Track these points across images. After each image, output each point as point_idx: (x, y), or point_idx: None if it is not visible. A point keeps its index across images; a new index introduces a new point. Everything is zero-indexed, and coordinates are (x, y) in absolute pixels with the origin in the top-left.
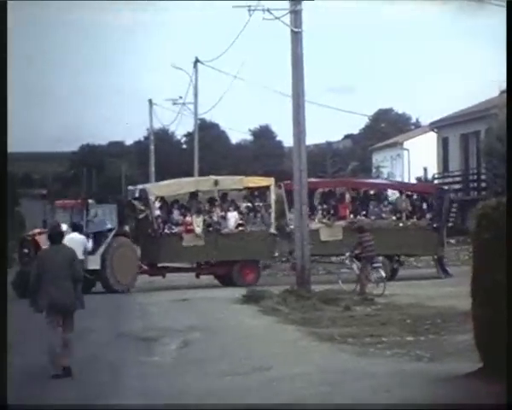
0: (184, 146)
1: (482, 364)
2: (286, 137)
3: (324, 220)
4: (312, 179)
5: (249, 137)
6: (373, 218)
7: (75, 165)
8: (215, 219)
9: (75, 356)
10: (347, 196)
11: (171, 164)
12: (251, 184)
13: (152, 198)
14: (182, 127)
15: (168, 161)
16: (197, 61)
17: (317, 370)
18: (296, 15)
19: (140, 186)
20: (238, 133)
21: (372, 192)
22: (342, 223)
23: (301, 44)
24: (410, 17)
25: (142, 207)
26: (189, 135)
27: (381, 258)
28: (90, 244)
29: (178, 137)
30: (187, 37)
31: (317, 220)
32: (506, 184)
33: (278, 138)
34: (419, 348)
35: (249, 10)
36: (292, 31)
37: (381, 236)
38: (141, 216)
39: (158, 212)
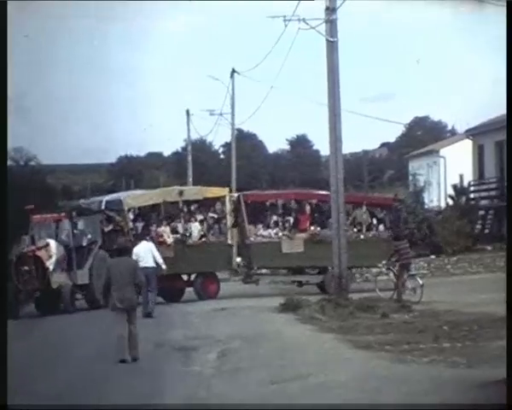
0: (222, 156)
1: None
2: (323, 146)
3: (286, 232)
4: (272, 191)
5: (286, 147)
6: None
7: (114, 176)
8: (181, 230)
9: (115, 364)
10: (307, 208)
11: (209, 174)
12: (209, 195)
13: (126, 209)
14: (219, 138)
15: (206, 171)
16: (234, 71)
17: (354, 377)
18: (331, 25)
19: (106, 197)
20: (275, 143)
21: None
22: (303, 235)
23: (337, 53)
24: (443, 24)
25: (120, 219)
26: (227, 145)
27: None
28: (157, 253)
29: (216, 148)
30: (223, 47)
31: (279, 233)
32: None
33: (315, 147)
34: (456, 355)
35: (285, 20)
36: (327, 40)
37: None
38: (108, 228)
39: (130, 224)
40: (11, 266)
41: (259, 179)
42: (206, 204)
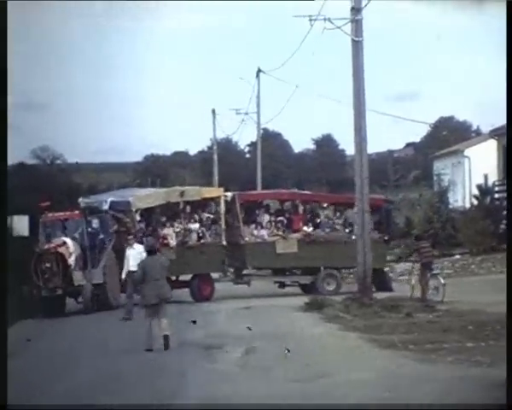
0: (248, 155)
1: None
2: (348, 146)
3: (280, 233)
4: (266, 191)
5: (312, 146)
6: (327, 230)
7: (140, 175)
8: (182, 231)
9: (142, 362)
10: (301, 209)
11: (235, 174)
12: (207, 195)
13: (134, 210)
14: (245, 137)
15: (232, 170)
16: (259, 70)
17: (378, 376)
18: (357, 24)
19: (111, 197)
20: (301, 142)
21: (325, 205)
22: (297, 235)
23: (362, 53)
24: (468, 24)
25: (128, 220)
26: (252, 144)
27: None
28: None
29: (241, 147)
30: (249, 47)
31: (275, 231)
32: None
33: (341, 147)
34: (479, 354)
35: (310, 20)
36: (352, 40)
37: (334, 248)
38: (113, 228)
39: (137, 225)
40: (31, 263)
41: (285, 179)
42: (202, 205)
